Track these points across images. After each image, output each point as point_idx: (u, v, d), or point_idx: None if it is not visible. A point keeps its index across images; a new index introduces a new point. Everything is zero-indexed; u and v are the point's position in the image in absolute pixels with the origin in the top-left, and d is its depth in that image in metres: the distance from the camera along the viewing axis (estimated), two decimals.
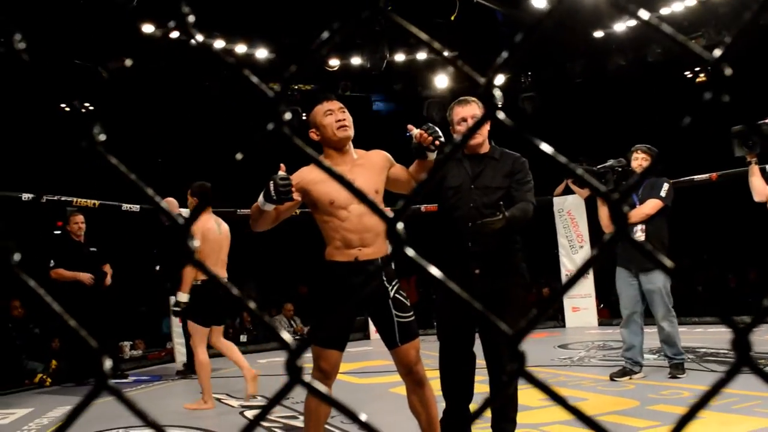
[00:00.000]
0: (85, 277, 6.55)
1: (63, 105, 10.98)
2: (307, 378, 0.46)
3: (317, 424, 2.87)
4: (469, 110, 3.31)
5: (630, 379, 4.89)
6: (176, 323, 8.14)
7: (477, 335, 3.31)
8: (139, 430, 4.15)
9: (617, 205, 0.43)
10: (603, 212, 4.95)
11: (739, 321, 0.48)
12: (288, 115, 0.45)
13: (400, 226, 0.43)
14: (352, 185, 0.50)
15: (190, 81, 10.18)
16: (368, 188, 2.83)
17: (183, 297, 4.85)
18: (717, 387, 0.47)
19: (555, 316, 9.21)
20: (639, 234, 4.93)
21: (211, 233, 4.91)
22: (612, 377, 4.91)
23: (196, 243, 0.47)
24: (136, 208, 7.91)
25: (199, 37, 0.49)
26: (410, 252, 0.44)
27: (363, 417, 0.52)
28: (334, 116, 2.90)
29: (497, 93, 0.44)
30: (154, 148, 11.24)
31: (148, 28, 8.64)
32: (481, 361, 3.27)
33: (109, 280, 6.77)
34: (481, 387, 3.41)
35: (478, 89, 0.44)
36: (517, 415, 3.28)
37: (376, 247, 2.87)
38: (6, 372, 6.56)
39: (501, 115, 0.44)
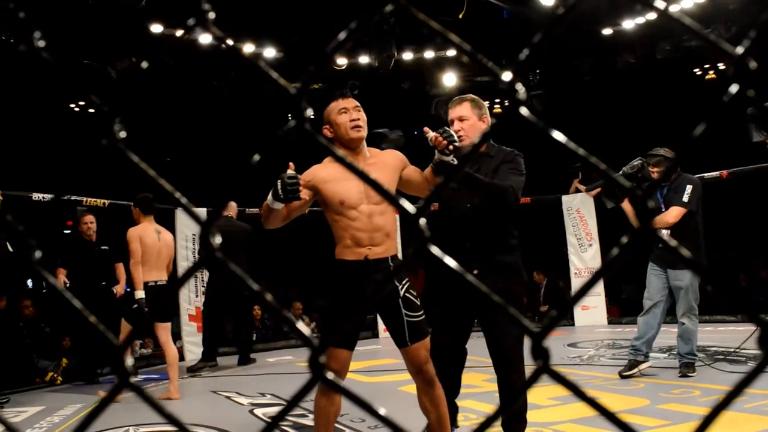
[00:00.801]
0: (60, 278, 6.61)
1: (72, 105, 11.05)
2: (330, 375, 0.46)
3: (327, 423, 2.86)
4: (458, 111, 3.31)
5: (639, 370, 4.86)
6: (186, 322, 8.18)
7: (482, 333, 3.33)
8: (148, 428, 4.17)
9: (642, 201, 0.43)
10: (633, 219, 4.98)
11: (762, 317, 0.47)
12: (309, 112, 0.45)
13: (422, 221, 0.43)
14: (372, 180, 0.49)
15: (198, 80, 10.21)
16: (372, 192, 2.84)
17: (140, 294, 5.33)
18: (742, 385, 0.46)
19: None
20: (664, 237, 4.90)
21: (149, 239, 5.42)
22: (621, 375, 4.89)
23: (218, 239, 0.47)
24: None
25: (219, 33, 0.49)
26: (435, 249, 0.44)
27: (382, 411, 0.52)
28: (348, 115, 2.89)
29: (521, 88, 0.44)
30: (162, 148, 11.28)
31: (156, 28, 8.66)
32: (480, 359, 3.27)
33: (121, 289, 6.80)
34: (489, 385, 3.40)
35: (500, 85, 0.44)
36: (528, 413, 3.27)
37: (386, 246, 2.87)
38: (17, 371, 6.60)
39: (524, 111, 0.44)
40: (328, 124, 2.93)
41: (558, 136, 0.45)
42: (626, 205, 4.94)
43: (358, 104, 2.95)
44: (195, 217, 0.48)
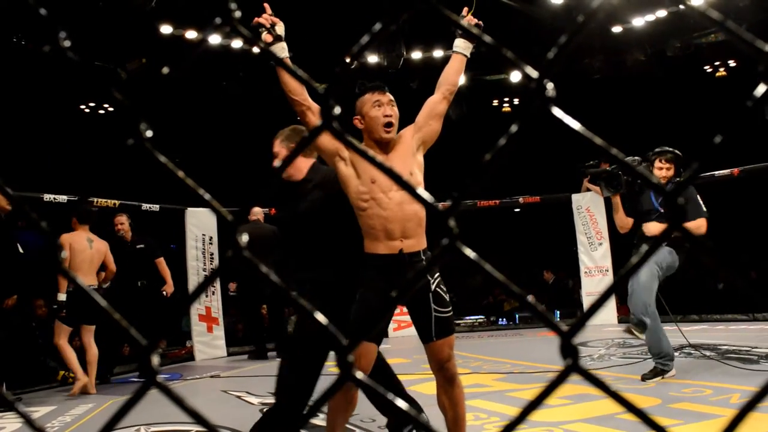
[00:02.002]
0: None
1: (83, 106, 11.09)
2: (360, 375, 0.46)
3: (342, 422, 2.83)
4: (274, 149, 3.48)
5: (662, 378, 4.78)
6: (196, 322, 8.22)
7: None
8: (158, 427, 4.19)
9: (672, 196, 0.43)
10: (619, 214, 4.95)
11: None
12: (338, 110, 0.45)
13: (452, 222, 0.43)
14: (410, 186, 0.48)
15: (207, 81, 10.23)
16: (404, 174, 2.75)
17: (61, 296, 5.86)
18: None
19: (574, 313, 9.15)
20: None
21: (79, 246, 5.84)
22: (643, 378, 4.80)
23: (244, 238, 0.47)
24: (155, 207, 7.98)
25: (246, 33, 0.49)
26: (467, 251, 0.43)
27: (403, 405, 0.51)
28: (382, 110, 2.83)
29: (550, 86, 0.43)
30: (172, 148, 11.31)
31: (166, 29, 8.68)
32: (490, 357, 3.25)
33: (171, 288, 6.87)
34: (499, 385, 3.38)
35: (530, 83, 0.44)
36: (538, 412, 3.25)
37: (418, 238, 2.79)
38: (29, 371, 6.63)
39: (557, 111, 0.43)
40: (360, 116, 2.87)
41: (587, 133, 0.45)
42: (615, 199, 4.94)
43: (393, 98, 2.90)
44: (223, 217, 0.48)
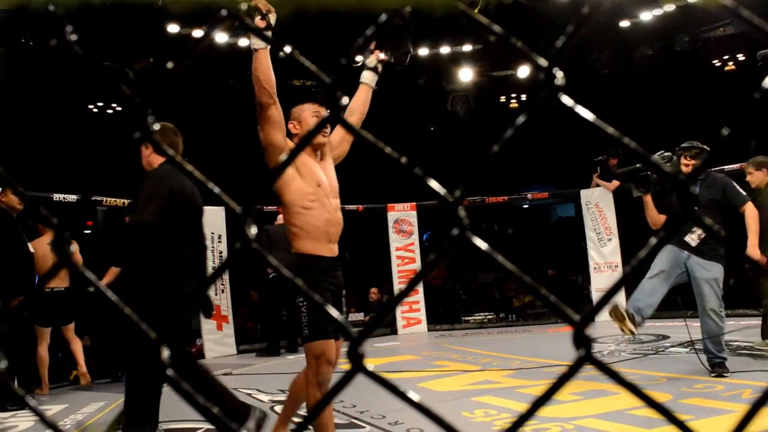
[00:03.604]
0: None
1: (91, 106, 11.15)
2: (371, 366, 0.45)
3: (294, 405, 3.04)
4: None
5: (635, 325, 4.55)
6: (205, 319, 8.25)
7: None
8: (170, 425, 4.21)
9: (685, 186, 0.42)
10: (651, 212, 4.82)
11: None
12: (345, 100, 0.45)
13: (462, 212, 0.42)
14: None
15: (214, 80, 10.25)
16: (334, 184, 3.00)
17: None
18: None
19: (580, 310, 9.13)
20: (699, 232, 4.64)
21: (39, 253, 5.91)
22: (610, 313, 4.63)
23: (253, 230, 0.47)
24: None
25: (254, 25, 0.48)
26: (477, 240, 0.43)
27: (415, 397, 0.51)
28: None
29: (559, 74, 0.43)
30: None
31: (173, 28, 8.71)
32: (499, 354, 3.25)
33: None
34: (509, 381, 3.38)
35: (539, 72, 0.43)
36: (549, 408, 3.25)
37: (337, 244, 3.00)
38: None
39: (566, 99, 0.43)
40: (297, 121, 3.00)
41: (599, 123, 0.44)
42: (646, 197, 4.78)
43: None
44: (232, 210, 0.48)
